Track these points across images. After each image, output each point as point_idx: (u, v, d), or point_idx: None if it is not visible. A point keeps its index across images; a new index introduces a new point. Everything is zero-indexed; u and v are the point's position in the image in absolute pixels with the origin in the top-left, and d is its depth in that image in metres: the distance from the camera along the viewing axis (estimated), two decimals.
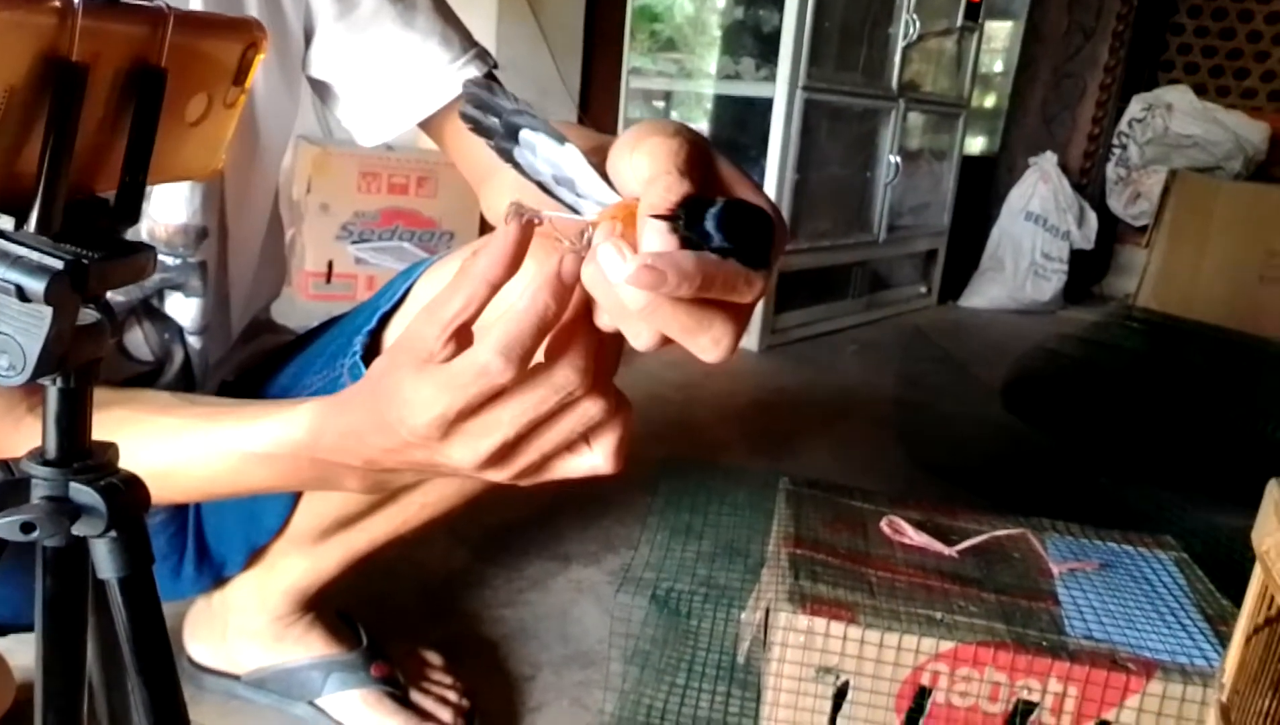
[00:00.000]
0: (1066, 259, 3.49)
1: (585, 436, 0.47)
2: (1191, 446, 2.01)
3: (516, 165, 0.45)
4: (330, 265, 2.47)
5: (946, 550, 1.01)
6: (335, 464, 0.57)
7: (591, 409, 0.46)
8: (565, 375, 0.44)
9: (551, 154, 0.44)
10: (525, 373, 0.43)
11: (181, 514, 0.94)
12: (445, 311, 0.44)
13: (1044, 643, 0.88)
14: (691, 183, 0.40)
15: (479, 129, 0.46)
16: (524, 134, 0.45)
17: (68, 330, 0.41)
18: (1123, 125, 3.74)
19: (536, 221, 0.44)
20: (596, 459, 0.48)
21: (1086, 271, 3.75)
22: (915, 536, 1.01)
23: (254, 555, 0.95)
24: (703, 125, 3.16)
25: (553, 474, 0.49)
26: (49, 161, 0.39)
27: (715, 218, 0.39)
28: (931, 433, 2.07)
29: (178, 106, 0.44)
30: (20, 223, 0.40)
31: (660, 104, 3.20)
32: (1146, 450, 1.99)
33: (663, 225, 0.39)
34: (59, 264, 0.39)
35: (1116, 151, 3.77)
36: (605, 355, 0.46)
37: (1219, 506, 1.66)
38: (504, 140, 0.45)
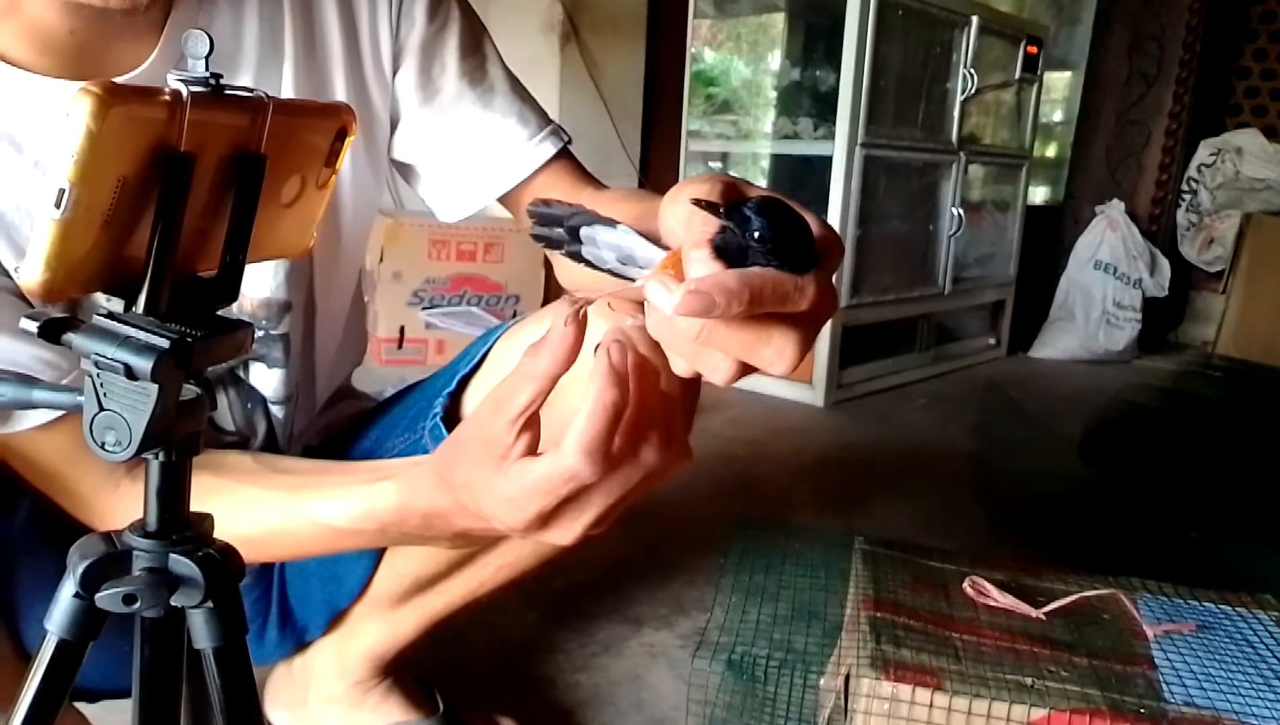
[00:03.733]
0: (1140, 307, 3.40)
1: None
2: None
3: (588, 262, 0.48)
4: (402, 331, 2.53)
5: (1034, 612, 0.97)
6: (418, 536, 0.59)
7: (669, 458, 0.47)
8: (646, 457, 0.46)
9: (610, 239, 0.47)
10: (609, 463, 0.45)
11: (266, 578, 0.95)
12: (511, 408, 0.47)
13: (1142, 709, 0.83)
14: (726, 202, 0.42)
15: (550, 244, 0.49)
16: (583, 231, 0.48)
17: (171, 407, 0.42)
18: (1191, 170, 3.67)
19: (587, 305, 0.46)
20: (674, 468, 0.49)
21: (1161, 319, 3.65)
22: (1000, 598, 0.98)
23: (335, 619, 0.96)
24: (761, 184, 3.18)
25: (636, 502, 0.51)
26: (157, 246, 0.41)
27: (751, 206, 0.41)
28: (1008, 488, 2.01)
29: (274, 189, 0.46)
30: (129, 304, 0.42)
31: (717, 165, 3.24)
32: (1235, 503, 1.91)
33: (704, 253, 0.40)
34: (165, 343, 0.41)
35: (1186, 197, 3.69)
36: (676, 412, 0.47)
37: None
38: (571, 245, 0.48)
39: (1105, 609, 1.02)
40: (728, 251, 0.40)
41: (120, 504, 0.70)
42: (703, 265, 0.40)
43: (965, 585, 1.01)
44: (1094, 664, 0.90)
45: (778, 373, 0.42)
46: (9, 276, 0.68)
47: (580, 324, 0.45)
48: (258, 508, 0.68)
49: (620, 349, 0.44)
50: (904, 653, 0.88)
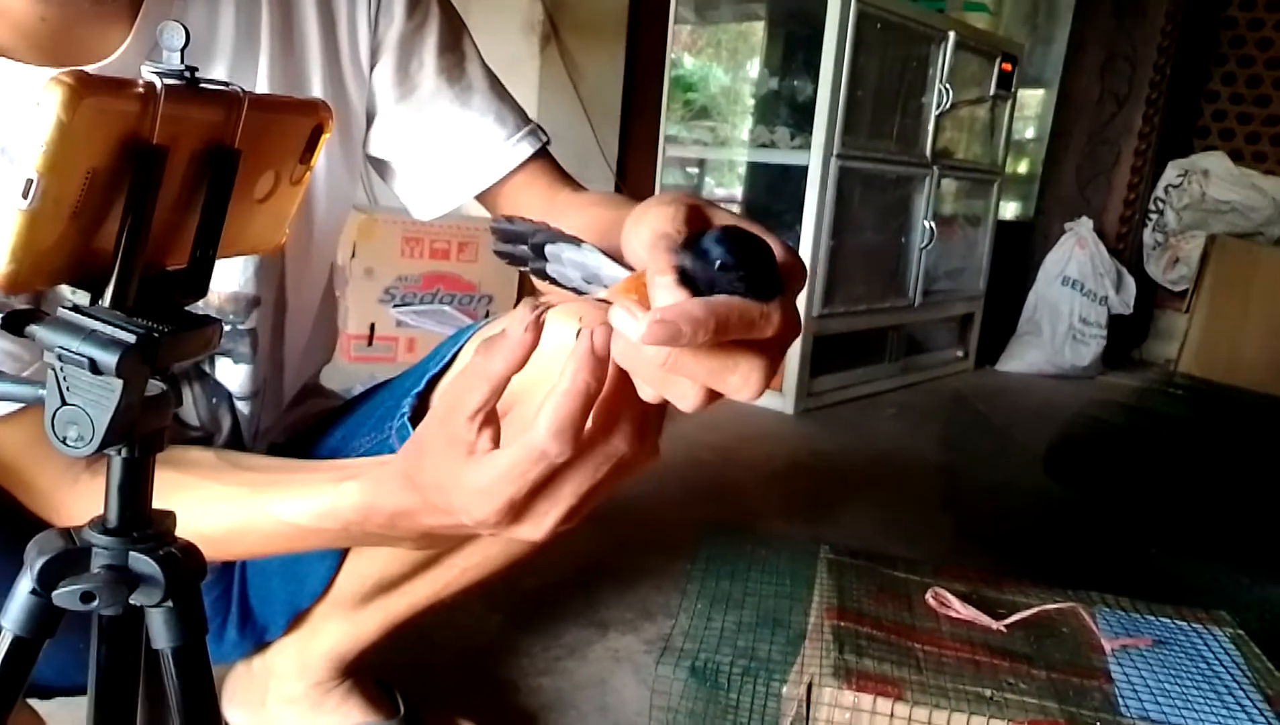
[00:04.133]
0: (1105, 323, 3.45)
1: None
2: (1240, 516, 1.96)
3: (552, 280, 0.48)
4: (372, 328, 2.51)
5: (994, 624, 0.98)
6: (382, 535, 0.58)
7: (639, 449, 0.47)
8: (616, 445, 0.46)
9: (575, 257, 0.47)
10: (579, 446, 0.45)
11: (226, 577, 0.94)
12: (467, 405, 0.47)
13: (1098, 722, 0.85)
14: (690, 230, 0.43)
15: (514, 260, 0.49)
16: (548, 249, 0.48)
17: (136, 402, 0.42)
18: (1159, 191, 3.73)
19: (548, 309, 0.46)
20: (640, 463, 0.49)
21: (1126, 336, 3.71)
22: (962, 609, 0.99)
23: (296, 619, 0.95)
24: (737, 191, 3.20)
25: (605, 494, 0.50)
26: (126, 239, 0.40)
27: (713, 236, 0.41)
28: (973, 499, 2.03)
29: (247, 184, 0.46)
30: (95, 297, 0.41)
31: (694, 170, 3.24)
32: (1195, 521, 1.94)
33: (669, 281, 0.40)
34: (131, 338, 0.41)
35: (1153, 217, 3.75)
36: (650, 407, 0.47)
37: (1273, 579, 1.61)
38: (536, 261, 0.48)
39: (1065, 622, 1.03)
40: (692, 278, 0.40)
41: (79, 499, 0.69)
42: (668, 292, 0.40)
43: (928, 596, 1.02)
44: (1052, 677, 0.92)
45: (744, 398, 0.42)
46: None
47: (538, 329, 0.45)
48: (220, 505, 0.67)
49: (605, 333, 0.43)
50: (866, 662, 0.89)
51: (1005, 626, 0.98)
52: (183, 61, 0.40)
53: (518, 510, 0.47)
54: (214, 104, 0.42)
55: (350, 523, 0.59)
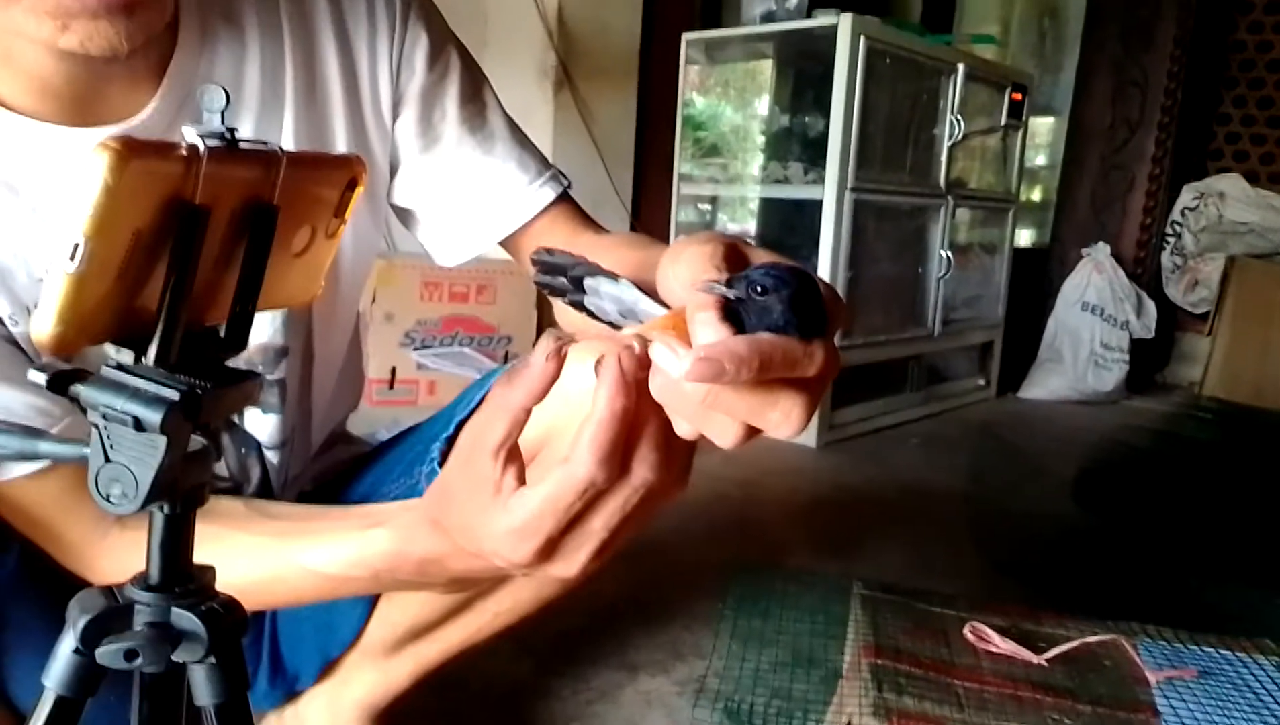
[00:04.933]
0: (1127, 348, 3.43)
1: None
2: (1277, 540, 1.92)
3: (589, 312, 0.48)
4: (393, 372, 2.52)
5: (1035, 658, 0.97)
6: (412, 582, 0.58)
7: (666, 478, 0.46)
8: (642, 474, 0.45)
9: (612, 291, 0.47)
10: (615, 473, 0.44)
11: (257, 626, 0.94)
12: (489, 440, 0.46)
13: None
14: (730, 269, 0.42)
15: (553, 291, 0.49)
16: (586, 282, 0.48)
17: (179, 459, 0.42)
18: (1175, 214, 3.72)
19: (570, 343, 0.46)
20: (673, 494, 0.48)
21: (1148, 360, 3.67)
22: (1001, 644, 0.98)
23: (327, 668, 0.94)
24: (750, 226, 3.21)
25: (637, 527, 0.49)
26: (170, 298, 0.40)
27: (759, 271, 0.41)
28: (1002, 530, 2.01)
29: (285, 239, 0.46)
30: (139, 355, 0.41)
31: (706, 207, 3.26)
32: (1230, 545, 1.91)
33: (712, 317, 0.40)
34: (175, 395, 0.41)
35: (1170, 240, 3.73)
36: (672, 434, 0.46)
37: None
38: (574, 294, 0.48)
39: (1107, 655, 1.01)
40: (735, 314, 0.40)
41: (109, 553, 0.69)
42: (711, 329, 0.40)
43: (966, 631, 1.00)
44: (1097, 711, 0.90)
45: (784, 436, 0.41)
46: (2, 323, 0.68)
47: (559, 359, 0.45)
48: (249, 555, 0.67)
49: (630, 356, 0.43)
50: (906, 700, 0.87)
51: (1046, 660, 0.97)
52: (223, 122, 0.41)
53: (552, 547, 0.46)
54: (253, 163, 0.42)
55: (379, 570, 0.59)
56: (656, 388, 0.42)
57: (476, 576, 0.54)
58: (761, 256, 0.45)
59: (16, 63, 0.65)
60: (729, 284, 0.41)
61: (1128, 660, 1.00)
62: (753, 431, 0.41)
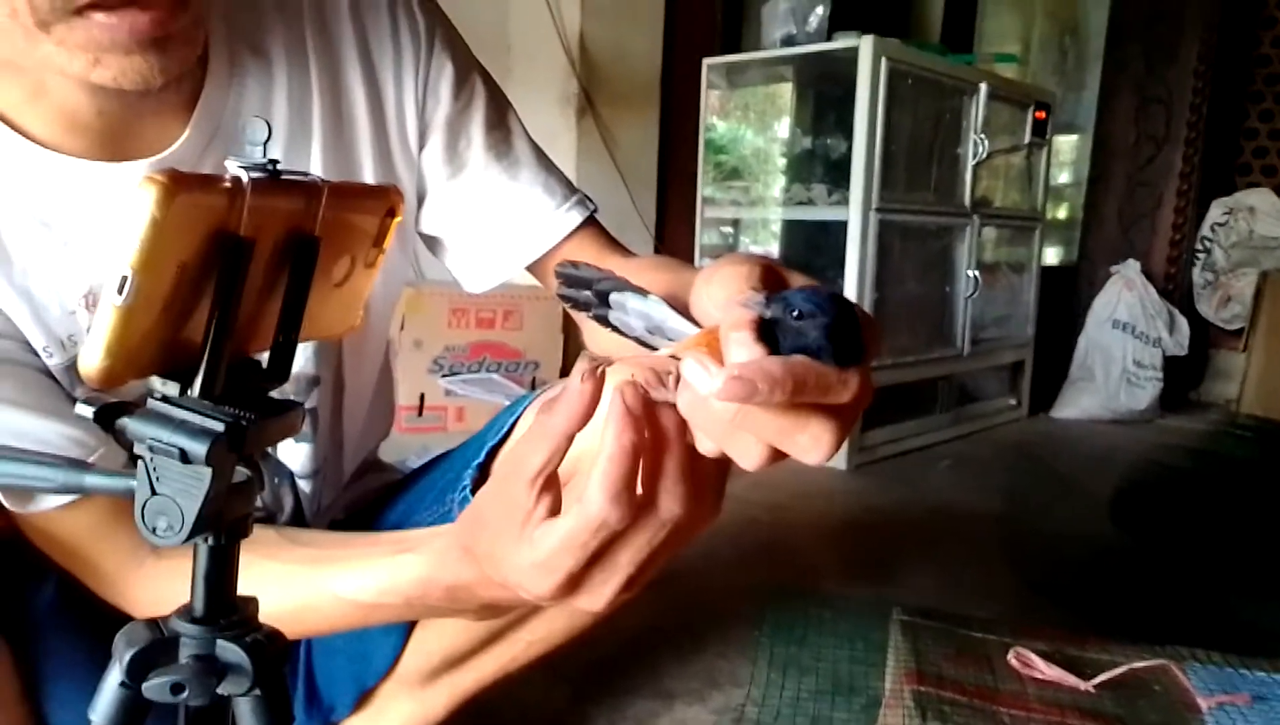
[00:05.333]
0: (1160, 366, 3.38)
1: None
2: None
3: (615, 328, 0.47)
4: (422, 398, 2.53)
5: (1082, 685, 0.94)
6: (444, 609, 0.58)
7: (695, 510, 0.45)
8: (668, 507, 0.44)
9: (639, 307, 0.47)
10: (633, 509, 0.43)
11: (292, 656, 0.94)
12: (528, 468, 0.45)
13: None
14: (767, 290, 0.42)
15: (577, 306, 0.49)
16: (613, 297, 0.47)
17: (224, 491, 0.42)
18: (1205, 230, 3.68)
19: (607, 365, 0.45)
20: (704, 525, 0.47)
21: (1182, 378, 3.62)
22: (1047, 670, 0.96)
23: (362, 698, 0.94)
24: (773, 248, 3.21)
25: (660, 563, 0.48)
26: (215, 330, 0.41)
27: (799, 294, 0.40)
28: (1039, 552, 1.98)
29: (325, 270, 0.47)
30: (184, 388, 0.42)
31: (729, 230, 3.26)
32: (1272, 565, 1.86)
33: (747, 336, 0.39)
34: (220, 427, 0.41)
35: (1201, 256, 3.69)
36: (708, 463, 0.45)
37: None
38: (599, 308, 0.48)
39: (1156, 680, 0.99)
40: (770, 335, 0.39)
41: (146, 582, 0.69)
42: (745, 348, 0.39)
43: (1010, 657, 0.98)
44: None
45: (811, 462, 0.40)
46: (37, 356, 0.69)
47: (597, 381, 0.44)
48: (281, 583, 0.67)
49: (633, 391, 0.43)
50: None
51: (1094, 687, 0.95)
52: (265, 155, 0.41)
53: (575, 582, 0.46)
54: (295, 194, 0.43)
55: (411, 597, 0.59)
56: (684, 404, 0.41)
57: (506, 604, 0.54)
58: (799, 280, 0.45)
59: (49, 98, 0.66)
60: (766, 303, 0.40)
61: (1178, 686, 0.98)
62: (778, 454, 0.41)
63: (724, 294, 0.42)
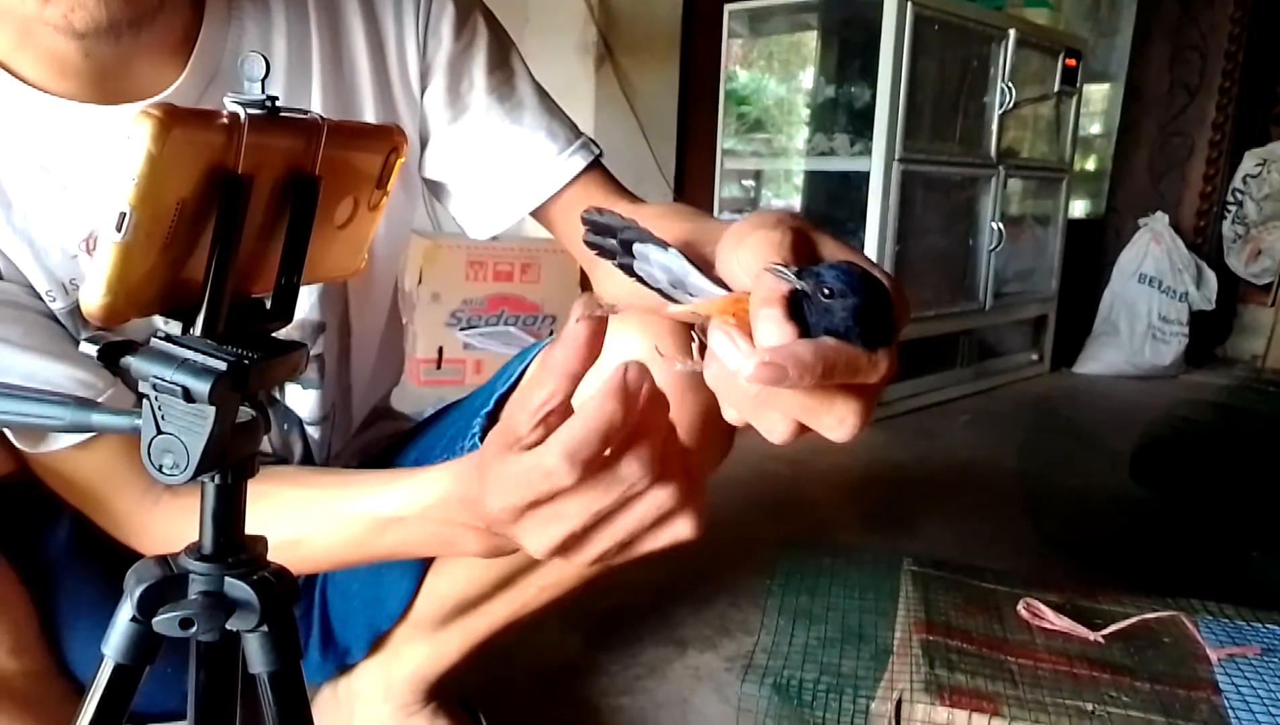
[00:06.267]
0: (1186, 321, 3.33)
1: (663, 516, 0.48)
2: None
3: (639, 278, 0.47)
4: (440, 351, 2.55)
5: (1091, 635, 0.94)
6: (456, 525, 0.59)
7: (661, 496, 0.47)
8: (630, 469, 0.45)
9: (662, 260, 0.46)
10: (589, 473, 0.44)
11: (307, 599, 0.95)
12: (533, 399, 0.47)
13: None
14: (798, 259, 0.41)
15: (603, 252, 0.49)
16: (636, 247, 0.47)
17: (228, 429, 0.42)
18: (1236, 181, 3.59)
19: (607, 311, 0.46)
20: (679, 530, 0.49)
21: (1208, 333, 3.57)
22: (1056, 620, 0.96)
23: (377, 642, 0.95)
24: (795, 201, 3.18)
25: (636, 553, 0.50)
26: (215, 268, 0.41)
27: (831, 274, 0.39)
28: (1057, 507, 1.97)
29: (327, 211, 0.46)
30: (187, 327, 0.42)
31: (750, 183, 3.23)
32: None
33: (778, 314, 0.39)
34: (222, 365, 0.41)
35: (1232, 209, 3.61)
36: (677, 441, 0.47)
37: None
38: (624, 257, 0.48)
39: (1165, 632, 0.99)
40: (798, 309, 0.39)
41: (161, 520, 0.70)
42: (775, 327, 0.39)
43: (1019, 608, 0.98)
44: (1156, 689, 0.88)
45: (837, 439, 0.41)
46: (41, 300, 0.69)
47: (596, 321, 0.45)
48: (301, 507, 0.69)
49: (639, 372, 0.44)
50: (959, 677, 0.86)
51: (1103, 637, 0.95)
52: (263, 91, 0.41)
53: (519, 514, 0.47)
54: (294, 132, 0.42)
55: (429, 507, 0.60)
56: (711, 376, 0.41)
57: (502, 529, 0.54)
58: (830, 247, 0.44)
59: (36, 41, 0.65)
60: (798, 276, 0.40)
61: (1188, 637, 0.97)
62: (804, 429, 0.41)
63: (754, 260, 0.42)
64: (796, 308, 0.39)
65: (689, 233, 0.54)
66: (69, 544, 0.79)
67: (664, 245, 0.46)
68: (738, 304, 0.42)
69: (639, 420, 0.44)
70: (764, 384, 0.37)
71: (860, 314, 0.39)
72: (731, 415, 0.43)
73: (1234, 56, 3.47)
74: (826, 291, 0.39)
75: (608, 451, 0.45)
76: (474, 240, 0.92)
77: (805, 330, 0.39)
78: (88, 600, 0.78)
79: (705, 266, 0.45)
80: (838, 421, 0.40)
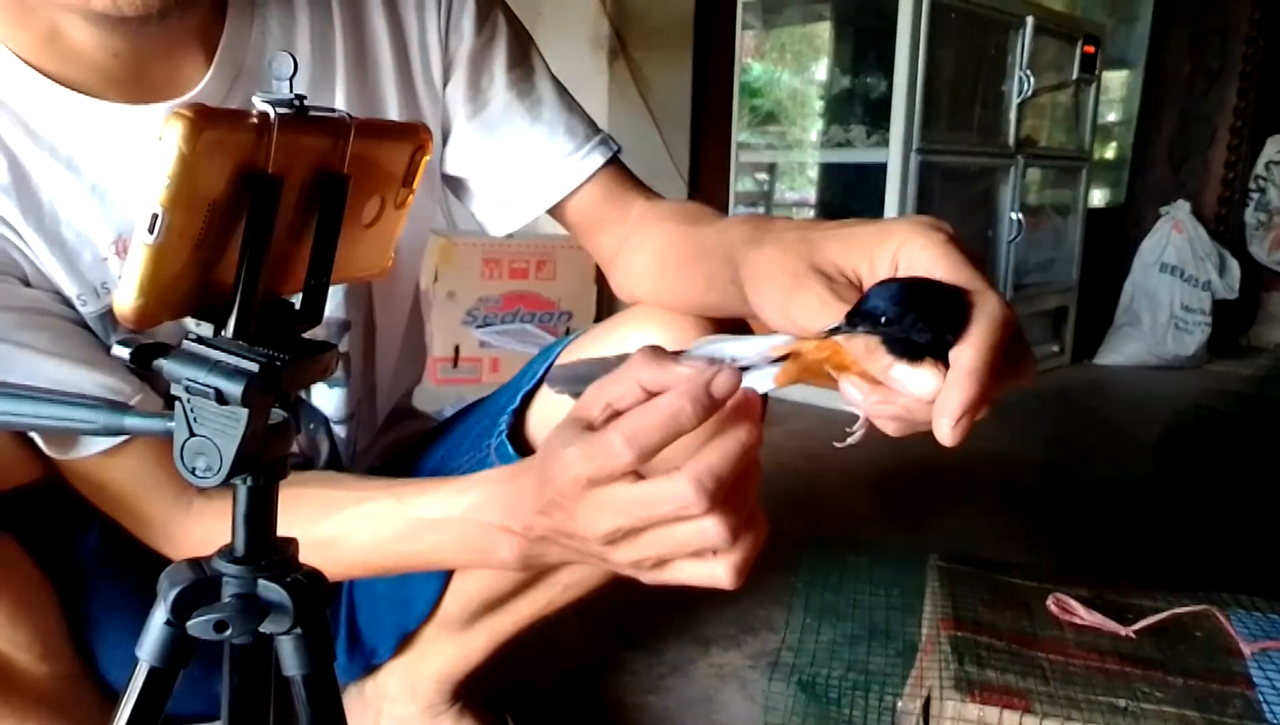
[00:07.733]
0: (1209, 310, 3.29)
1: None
2: None
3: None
4: (457, 350, 2.55)
5: (1123, 630, 0.93)
6: (495, 529, 0.58)
7: (711, 530, 0.46)
8: (681, 487, 0.45)
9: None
10: (644, 459, 0.45)
11: (334, 600, 0.95)
12: (611, 392, 0.48)
13: None
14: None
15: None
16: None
17: (261, 431, 0.42)
18: (1259, 168, 3.55)
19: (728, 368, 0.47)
20: (717, 572, 0.49)
21: (1232, 322, 3.53)
22: (1086, 615, 0.94)
23: (404, 642, 0.95)
24: (809, 194, 3.16)
25: (672, 576, 0.51)
26: (246, 269, 0.40)
27: (875, 300, 0.43)
28: (1082, 499, 1.95)
29: (355, 210, 0.46)
30: (218, 328, 0.41)
31: (763, 176, 3.21)
32: None
33: (906, 368, 0.43)
34: (255, 367, 0.41)
35: (1255, 196, 3.57)
36: (744, 479, 0.47)
37: None
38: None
39: (1197, 626, 0.97)
40: (898, 348, 0.42)
41: (195, 524, 0.70)
42: (923, 378, 0.43)
43: (1049, 603, 0.97)
44: (1189, 684, 0.86)
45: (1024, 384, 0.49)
46: (69, 306, 0.69)
47: (726, 381, 0.45)
48: (336, 509, 0.68)
49: (730, 378, 0.45)
50: (989, 673, 0.85)
51: (1134, 632, 0.93)
52: (292, 90, 0.40)
53: (581, 490, 0.47)
54: (323, 131, 0.42)
55: (468, 508, 0.60)
56: (881, 413, 0.46)
57: (539, 531, 0.54)
58: (830, 251, 0.50)
59: (63, 40, 0.65)
60: (854, 325, 0.43)
61: (1220, 632, 0.96)
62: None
63: (779, 306, 0.48)
64: (900, 347, 0.42)
65: (689, 237, 0.56)
66: (98, 549, 0.79)
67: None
68: (835, 349, 0.45)
69: (733, 456, 0.45)
70: (964, 434, 0.42)
71: (928, 318, 0.42)
72: (889, 428, 0.47)
73: (1255, 41, 3.43)
74: (884, 321, 0.42)
75: (677, 466, 0.45)
76: (489, 238, 0.92)
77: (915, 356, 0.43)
78: (117, 605, 0.78)
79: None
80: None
